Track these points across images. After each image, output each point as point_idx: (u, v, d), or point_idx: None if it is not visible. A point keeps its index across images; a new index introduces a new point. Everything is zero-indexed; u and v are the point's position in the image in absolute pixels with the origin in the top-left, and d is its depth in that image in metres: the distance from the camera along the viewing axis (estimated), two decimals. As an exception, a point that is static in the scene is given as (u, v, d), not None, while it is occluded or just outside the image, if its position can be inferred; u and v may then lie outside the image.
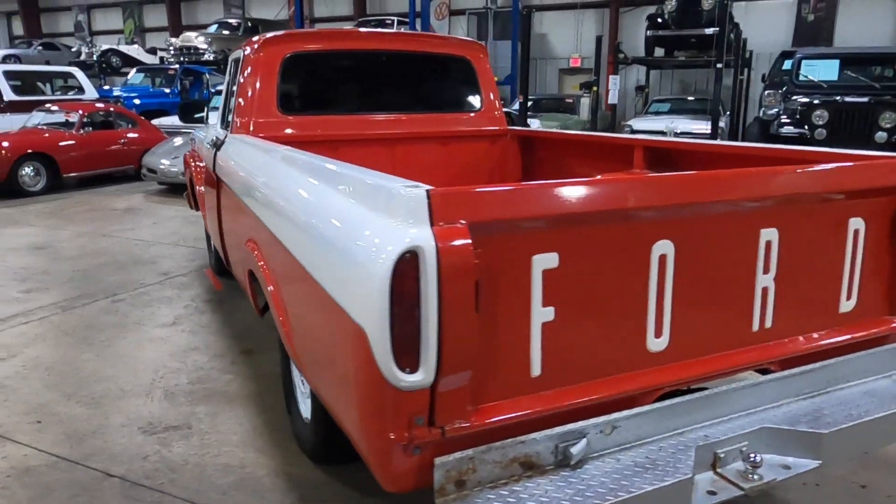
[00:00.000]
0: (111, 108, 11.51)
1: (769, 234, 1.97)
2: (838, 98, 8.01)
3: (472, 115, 4.38)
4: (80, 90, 13.14)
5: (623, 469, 1.73)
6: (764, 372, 2.13)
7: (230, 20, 20.27)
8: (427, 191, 1.45)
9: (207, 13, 24.13)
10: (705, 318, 1.94)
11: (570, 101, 15.04)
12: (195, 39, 18.65)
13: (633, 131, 13.61)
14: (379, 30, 4.78)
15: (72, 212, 8.71)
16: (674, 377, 1.90)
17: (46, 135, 10.33)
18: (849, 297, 2.21)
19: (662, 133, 13.48)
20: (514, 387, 1.67)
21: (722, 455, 1.86)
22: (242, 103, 3.85)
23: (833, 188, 2.05)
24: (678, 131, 12.93)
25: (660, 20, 14.26)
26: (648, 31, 14.38)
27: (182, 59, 18.53)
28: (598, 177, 2.63)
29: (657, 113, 14.22)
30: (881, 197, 2.16)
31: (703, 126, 12.57)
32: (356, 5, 22.18)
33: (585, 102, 13.58)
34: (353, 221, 1.62)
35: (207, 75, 16.08)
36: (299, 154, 2.44)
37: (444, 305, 1.43)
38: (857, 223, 2.14)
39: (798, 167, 2.01)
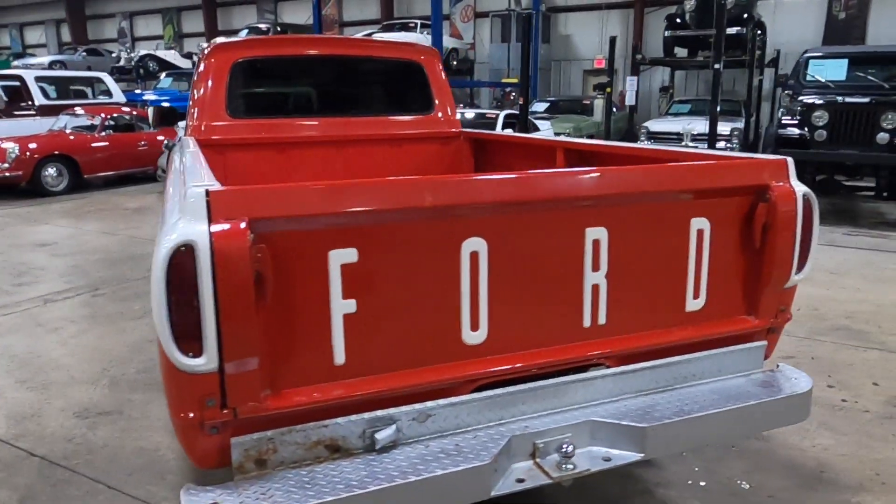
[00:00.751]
0: (133, 112, 11.99)
1: (596, 233, 2.03)
2: (839, 98, 7.81)
3: (423, 117, 4.48)
4: (109, 94, 13.70)
5: (427, 455, 1.82)
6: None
7: (260, 25, 20.81)
8: (206, 190, 1.58)
9: (242, 19, 24.79)
10: (528, 313, 2.01)
11: (588, 102, 14.97)
12: (227, 45, 19.15)
13: (649, 133, 13.49)
14: (330, 35, 4.96)
15: (85, 211, 9.14)
16: (493, 369, 1.98)
17: (71, 137, 10.83)
18: (696, 297, 2.24)
19: (679, 135, 13.35)
20: (317, 374, 1.78)
21: (541, 445, 1.94)
22: (194, 108, 4.04)
23: (667, 188, 2.10)
24: (695, 133, 12.75)
25: (678, 20, 14.10)
26: (667, 32, 14.22)
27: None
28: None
29: (677, 114, 14.06)
30: (728, 198, 2.20)
31: (723, 128, 12.36)
32: (384, 8, 22.49)
33: (600, 104, 13.51)
34: (166, 219, 1.76)
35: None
36: (187, 157, 2.59)
37: (221, 296, 1.55)
38: (700, 223, 2.18)
39: (623, 168, 2.06)
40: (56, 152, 10.31)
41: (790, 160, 2.24)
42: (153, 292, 1.57)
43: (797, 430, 3.02)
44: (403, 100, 4.56)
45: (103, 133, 10.92)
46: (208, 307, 1.55)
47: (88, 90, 13.64)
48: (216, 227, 1.55)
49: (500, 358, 1.98)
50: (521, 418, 2.00)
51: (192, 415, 1.67)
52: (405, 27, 18.50)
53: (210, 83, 4.01)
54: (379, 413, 1.83)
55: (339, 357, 1.80)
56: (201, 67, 4.05)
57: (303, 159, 4.21)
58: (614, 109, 14.36)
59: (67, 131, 11.02)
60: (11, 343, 4.29)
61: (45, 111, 12.31)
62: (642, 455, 1.98)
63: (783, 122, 8.32)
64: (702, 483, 2.73)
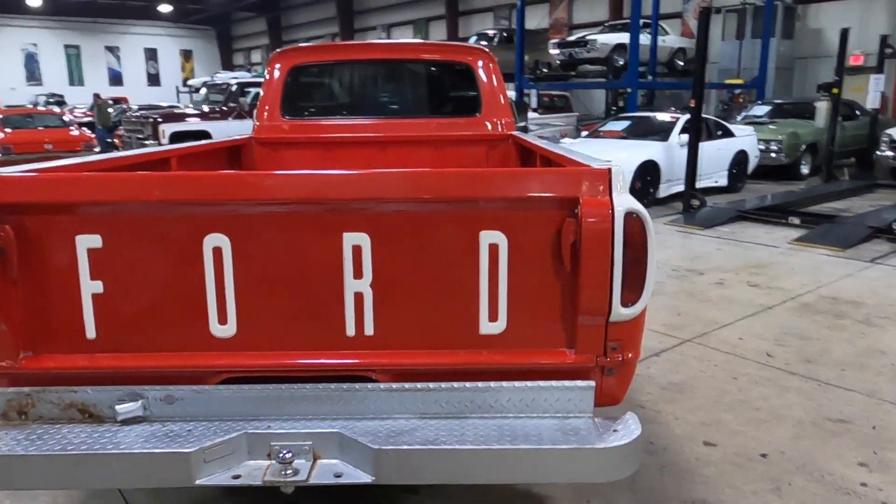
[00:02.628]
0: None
1: (356, 239, 1.93)
2: None
3: (469, 119, 4.43)
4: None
5: (157, 434, 1.94)
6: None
7: (488, 31, 21.57)
8: None
9: (481, 26, 25.97)
10: (282, 313, 1.99)
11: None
12: (452, 51, 20.28)
13: (892, 142, 11.35)
14: (382, 41, 5.13)
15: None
16: (241, 364, 2.00)
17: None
18: (493, 319, 1.99)
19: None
20: (70, 345, 1.99)
21: (276, 447, 1.93)
22: (257, 110, 4.53)
23: (437, 196, 1.91)
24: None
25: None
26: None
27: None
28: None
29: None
30: (530, 211, 1.92)
31: None
32: (612, 9, 21.83)
33: (823, 107, 11.62)
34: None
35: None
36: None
37: None
38: (493, 237, 1.93)
39: (384, 172, 1.92)
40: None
41: (615, 169, 1.88)
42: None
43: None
44: (449, 102, 4.59)
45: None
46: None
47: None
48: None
49: (249, 355, 2.01)
50: (275, 418, 2.01)
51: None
52: (626, 28, 17.77)
53: (270, 87, 4.46)
54: (126, 388, 1.99)
55: (91, 332, 1.99)
56: (266, 74, 4.52)
57: (347, 158, 4.45)
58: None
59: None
60: None
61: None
62: (373, 479, 1.86)
63: None
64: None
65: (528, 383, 2.00)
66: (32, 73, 37.13)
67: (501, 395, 2.00)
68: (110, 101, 19.61)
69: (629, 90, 14.53)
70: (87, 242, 1.93)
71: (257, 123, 4.52)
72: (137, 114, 14.46)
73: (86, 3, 34.96)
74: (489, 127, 4.40)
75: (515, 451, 1.84)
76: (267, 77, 4.49)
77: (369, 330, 2.00)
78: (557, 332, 1.98)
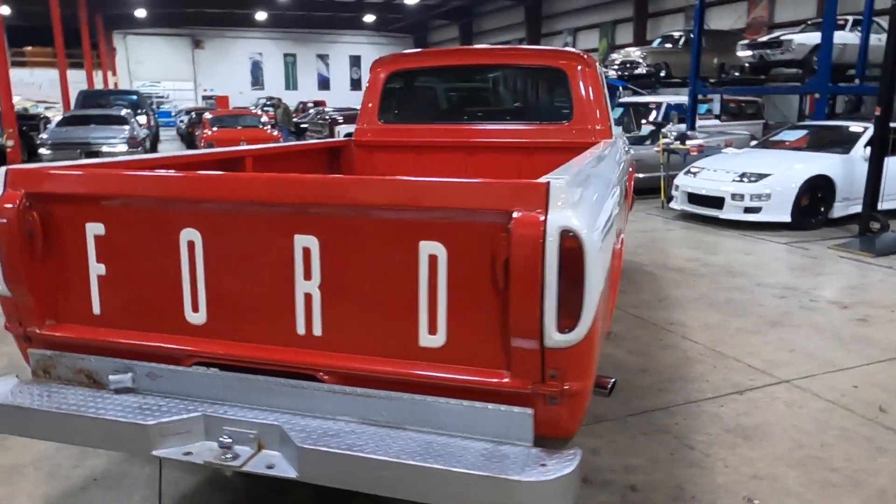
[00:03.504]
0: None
1: (306, 241, 1.98)
2: None
3: (559, 126, 4.29)
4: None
5: (130, 405, 2.16)
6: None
7: (673, 33, 20.42)
8: (7, 169, 2.23)
9: (671, 27, 24.66)
10: (245, 307, 2.09)
11: None
12: (633, 54, 19.54)
13: None
14: (479, 46, 5.01)
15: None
16: (209, 351, 2.15)
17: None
18: (432, 332, 1.92)
19: None
20: (82, 318, 2.27)
21: (226, 430, 2.06)
22: (359, 113, 4.78)
23: (375, 203, 1.89)
24: None
25: None
26: None
27: (622, 73, 19.65)
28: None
29: None
30: (469, 224, 1.83)
31: None
32: (821, 7, 19.54)
33: None
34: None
35: (621, 89, 16.85)
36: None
37: (2, 242, 2.20)
38: (433, 248, 1.88)
39: (327, 177, 1.94)
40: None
41: (555, 184, 1.74)
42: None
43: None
44: (540, 108, 4.48)
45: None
46: (-6, 250, 2.22)
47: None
48: (3, 194, 2.20)
49: (215, 343, 2.16)
50: (233, 404, 2.14)
51: (8, 326, 2.37)
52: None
53: (370, 93, 4.69)
54: (120, 361, 2.24)
55: (96, 308, 2.27)
56: (368, 80, 4.75)
57: (436, 163, 4.55)
58: None
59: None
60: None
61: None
62: (296, 475, 1.91)
63: None
64: None
65: (465, 402, 1.92)
66: (257, 78, 42.07)
67: (439, 411, 1.95)
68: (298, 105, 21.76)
69: (817, 95, 12.92)
70: (94, 229, 2.20)
71: (357, 126, 4.76)
72: (319, 115, 15.78)
73: (303, 17, 38.72)
74: (580, 134, 4.22)
75: (426, 470, 1.78)
76: (367, 82, 4.72)
77: (317, 331, 2.05)
78: (496, 352, 1.88)
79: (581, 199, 1.84)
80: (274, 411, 2.10)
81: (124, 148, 13.54)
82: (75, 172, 2.22)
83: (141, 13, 34.28)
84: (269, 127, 15.90)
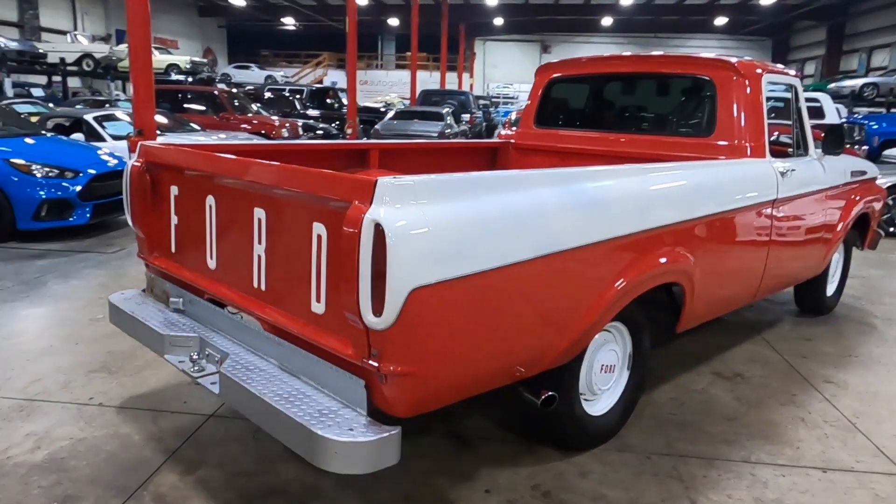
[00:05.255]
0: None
1: (259, 213, 2.47)
2: None
3: (700, 140, 3.97)
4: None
5: (171, 320, 2.94)
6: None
7: None
8: (141, 144, 3.16)
9: None
10: (234, 260, 2.67)
11: None
12: None
13: None
14: (634, 53, 4.40)
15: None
16: (215, 291, 2.78)
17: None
18: (318, 301, 2.24)
19: None
20: (167, 254, 3.11)
21: (206, 350, 2.71)
22: (521, 117, 5.05)
23: (275, 183, 2.29)
24: None
25: None
26: None
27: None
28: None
29: None
30: (334, 209, 2.10)
31: None
32: None
33: None
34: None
35: None
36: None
37: (131, 192, 3.16)
38: (319, 229, 2.19)
39: (257, 162, 2.38)
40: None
41: (383, 181, 1.95)
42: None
43: None
44: (684, 119, 4.21)
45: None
46: (126, 198, 3.20)
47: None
48: (133, 162, 3.16)
49: (216, 285, 2.80)
50: (219, 332, 2.76)
51: (140, 255, 3.35)
52: None
53: (531, 98, 4.94)
54: (179, 289, 3.04)
55: (173, 248, 3.10)
56: (533, 85, 5.00)
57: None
58: None
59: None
60: None
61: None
62: (218, 394, 2.46)
63: None
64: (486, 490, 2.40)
65: (331, 365, 2.23)
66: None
67: (316, 369, 2.30)
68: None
69: None
70: (174, 190, 3.03)
71: (519, 130, 5.03)
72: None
73: (650, 21, 38.24)
74: (720, 150, 3.86)
75: (276, 410, 2.15)
76: (532, 88, 4.94)
77: (263, 286, 2.55)
78: (348, 325, 2.14)
79: (422, 202, 1.99)
80: (239, 344, 2.66)
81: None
82: (165, 148, 3.07)
83: (499, 21, 37.88)
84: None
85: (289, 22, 40.51)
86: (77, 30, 28.13)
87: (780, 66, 4.39)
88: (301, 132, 15.60)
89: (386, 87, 41.87)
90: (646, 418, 3.44)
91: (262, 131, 14.69)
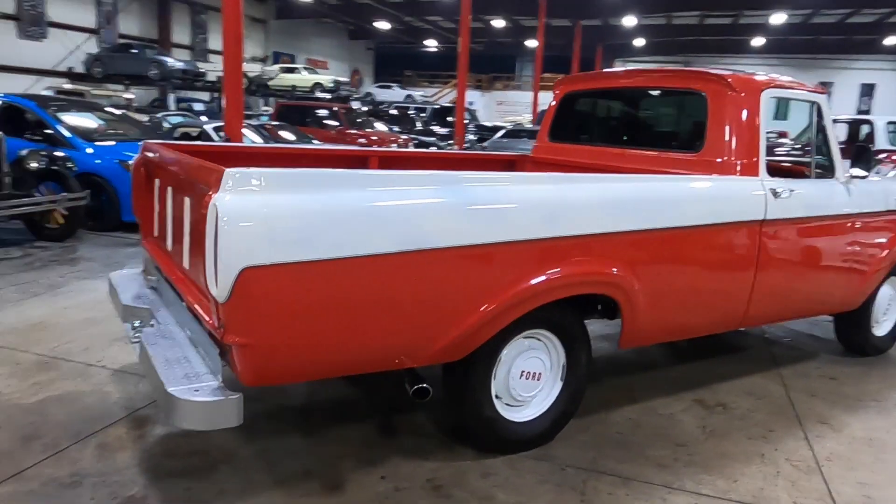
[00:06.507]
0: None
1: (187, 201, 2.80)
2: None
3: (689, 156, 3.83)
4: None
5: (138, 294, 3.36)
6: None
7: None
8: (143, 142, 3.65)
9: None
10: (172, 243, 3.04)
11: None
12: None
13: None
14: (640, 68, 4.15)
15: None
16: (165, 270, 3.15)
17: None
18: (200, 277, 2.52)
19: None
20: (153, 238, 3.57)
21: (148, 320, 3.10)
22: (538, 132, 5.10)
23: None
24: None
25: None
26: None
27: None
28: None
29: None
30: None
31: None
32: None
33: None
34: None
35: None
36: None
37: (132, 184, 3.65)
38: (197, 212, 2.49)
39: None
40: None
41: (227, 171, 2.20)
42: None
43: None
44: (678, 135, 4.11)
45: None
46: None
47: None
48: (136, 158, 3.66)
49: (169, 264, 3.17)
50: (170, 306, 3.14)
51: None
52: None
53: (548, 112, 5.01)
54: (156, 270, 3.47)
55: (157, 232, 3.54)
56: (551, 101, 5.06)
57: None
58: None
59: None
60: None
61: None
62: (138, 357, 2.82)
63: None
64: (396, 488, 2.58)
65: (206, 332, 2.50)
66: (744, 106, 40.43)
67: (201, 336, 2.58)
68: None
69: None
70: (157, 183, 3.47)
71: (535, 143, 5.09)
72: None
73: (807, 41, 35.57)
74: (708, 167, 3.72)
75: (153, 370, 2.46)
76: (550, 103, 4.99)
77: (186, 265, 2.87)
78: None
79: (264, 192, 2.20)
80: (175, 317, 3.02)
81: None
82: (153, 144, 3.52)
83: (640, 42, 36.99)
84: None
85: (431, 44, 42.14)
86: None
87: (797, 81, 4.12)
88: (411, 146, 16.33)
89: (522, 107, 42.19)
90: (589, 433, 3.38)
91: (374, 144, 15.57)
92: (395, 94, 36.63)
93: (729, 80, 3.70)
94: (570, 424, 3.34)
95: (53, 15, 23.33)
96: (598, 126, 4.69)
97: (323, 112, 17.40)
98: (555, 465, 3.06)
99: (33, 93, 18.38)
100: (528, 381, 3.10)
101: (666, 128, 4.24)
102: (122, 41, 25.09)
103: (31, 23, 22.63)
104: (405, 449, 3.15)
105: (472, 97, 42.14)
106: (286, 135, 14.32)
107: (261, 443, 3.15)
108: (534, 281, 2.78)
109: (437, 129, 22.32)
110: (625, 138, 4.40)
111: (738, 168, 3.63)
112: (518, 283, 2.74)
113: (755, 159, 3.66)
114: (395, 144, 16.01)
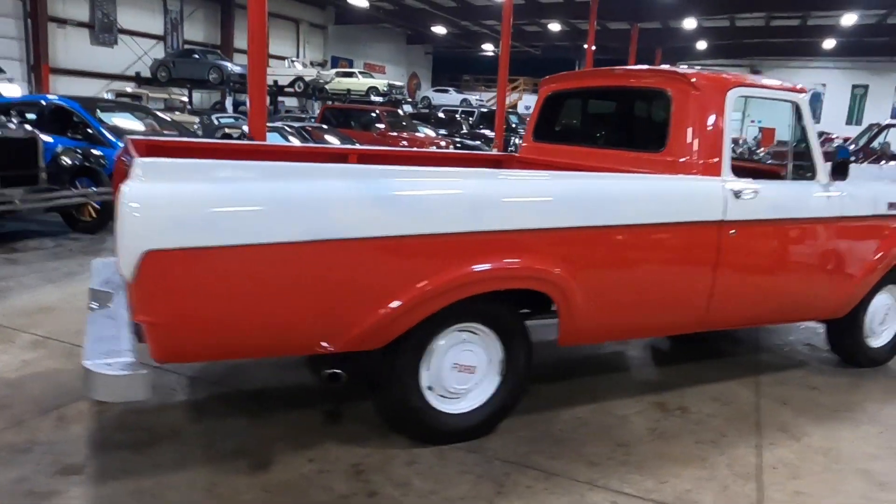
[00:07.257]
0: None
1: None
2: None
3: (653, 155, 3.79)
4: None
5: (110, 279, 3.59)
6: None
7: None
8: (128, 137, 3.88)
9: None
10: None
11: None
12: None
13: None
14: (613, 67, 3.99)
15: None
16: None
17: None
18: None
19: None
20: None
21: (107, 302, 3.31)
22: (525, 132, 5.12)
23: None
24: None
25: None
26: None
27: None
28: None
29: None
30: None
31: None
32: None
33: None
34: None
35: None
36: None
37: (114, 175, 3.89)
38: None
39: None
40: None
41: (138, 160, 2.39)
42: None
43: None
44: (643, 134, 4.08)
45: None
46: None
47: None
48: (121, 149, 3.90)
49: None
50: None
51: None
52: None
53: (533, 112, 5.05)
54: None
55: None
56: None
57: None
58: None
59: None
60: None
61: None
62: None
63: None
64: (320, 471, 2.71)
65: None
66: (813, 111, 38.81)
67: (132, 318, 2.75)
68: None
69: None
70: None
71: (522, 143, 5.12)
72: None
73: (886, 42, 33.81)
74: (670, 166, 3.68)
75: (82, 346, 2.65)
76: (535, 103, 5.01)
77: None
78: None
79: (170, 180, 2.35)
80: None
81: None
82: (137, 140, 3.74)
83: (702, 45, 36.01)
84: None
85: (488, 48, 42.21)
86: (299, 57, 32.15)
87: (772, 80, 4.01)
88: (451, 148, 16.49)
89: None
90: (531, 429, 3.39)
91: (414, 146, 15.82)
92: (452, 97, 36.83)
93: (693, 79, 3.65)
94: (515, 419, 3.37)
95: (124, 22, 24.68)
96: (575, 126, 4.69)
97: (366, 115, 17.75)
98: (483, 458, 3.09)
99: (100, 96, 19.56)
100: (461, 373, 3.15)
101: (635, 127, 4.20)
102: (186, 47, 26.27)
103: (104, 30, 24.03)
104: (342, 435, 3.24)
105: (531, 101, 42.05)
106: (329, 137, 14.71)
107: (208, 422, 3.31)
108: (453, 274, 2.83)
109: (485, 132, 22.38)
110: (598, 138, 4.38)
111: (699, 168, 3.57)
112: (436, 275, 2.80)
113: (717, 159, 3.59)
114: (435, 146, 16.17)
